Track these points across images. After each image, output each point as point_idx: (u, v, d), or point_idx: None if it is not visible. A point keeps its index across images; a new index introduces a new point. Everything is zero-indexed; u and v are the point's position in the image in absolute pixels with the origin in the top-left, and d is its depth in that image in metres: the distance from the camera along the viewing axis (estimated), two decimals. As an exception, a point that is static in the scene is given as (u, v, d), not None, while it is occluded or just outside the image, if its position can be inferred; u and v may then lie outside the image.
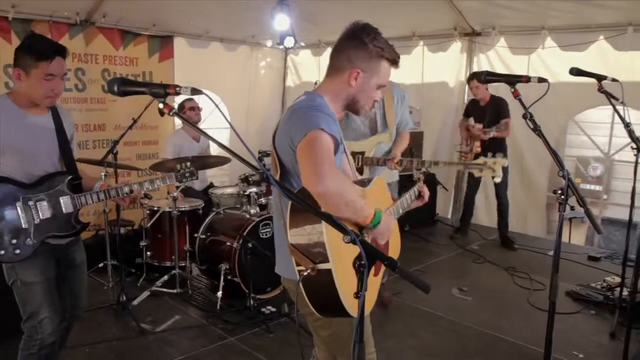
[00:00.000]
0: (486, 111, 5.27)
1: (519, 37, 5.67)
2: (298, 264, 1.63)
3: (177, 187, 4.25)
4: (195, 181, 4.91)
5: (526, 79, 1.97)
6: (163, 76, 6.16)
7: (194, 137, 5.02)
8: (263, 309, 3.88)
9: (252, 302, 3.80)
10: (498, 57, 5.87)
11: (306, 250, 1.62)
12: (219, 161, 4.58)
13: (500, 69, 5.84)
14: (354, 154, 3.48)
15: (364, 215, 1.67)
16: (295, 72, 7.96)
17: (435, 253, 5.39)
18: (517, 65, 5.72)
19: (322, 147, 1.63)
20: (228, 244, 4.00)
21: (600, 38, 5.08)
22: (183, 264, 4.35)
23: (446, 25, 5.93)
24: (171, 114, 1.41)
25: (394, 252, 2.02)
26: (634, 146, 3.00)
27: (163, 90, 1.42)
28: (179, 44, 6.40)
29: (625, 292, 3.82)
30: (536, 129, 1.96)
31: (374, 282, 1.90)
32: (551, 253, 5.26)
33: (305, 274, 1.60)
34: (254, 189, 4.26)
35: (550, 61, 5.44)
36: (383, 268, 1.96)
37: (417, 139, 6.30)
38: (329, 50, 7.25)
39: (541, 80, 1.96)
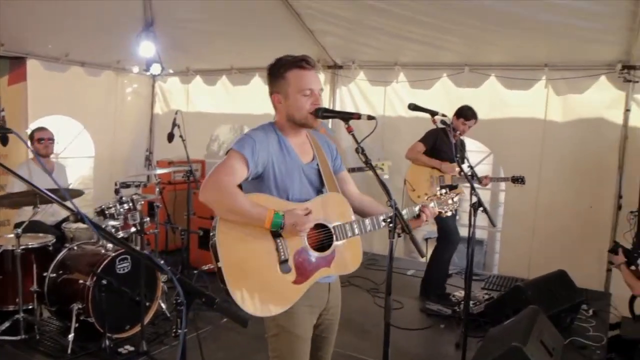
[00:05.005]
0: (456, 148, 4.52)
1: (376, 71, 6.12)
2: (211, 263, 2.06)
3: (19, 225, 3.89)
4: (47, 215, 4.63)
5: (357, 116, 2.10)
6: (14, 101, 5.71)
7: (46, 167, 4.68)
8: (120, 349, 3.66)
9: (107, 342, 3.59)
10: (358, 89, 6.28)
11: (212, 250, 1.94)
12: (72, 194, 4.30)
13: (360, 100, 6.25)
14: None
15: (257, 219, 1.94)
16: (163, 99, 7.80)
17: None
18: (375, 97, 6.17)
19: (223, 164, 1.99)
20: (81, 281, 3.75)
21: (444, 76, 5.66)
22: (31, 307, 3.99)
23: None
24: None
25: (341, 268, 2.16)
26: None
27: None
28: (33, 66, 5.97)
29: (470, 305, 4.20)
30: (367, 162, 2.10)
31: (296, 289, 2.03)
32: (410, 273, 5.69)
33: (206, 268, 2.03)
34: (111, 222, 4.06)
35: (403, 94, 5.93)
36: (316, 275, 2.07)
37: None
38: (197, 77, 7.31)
39: (370, 117, 2.10)
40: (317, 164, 2.20)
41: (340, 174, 2.33)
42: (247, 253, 1.96)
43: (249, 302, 1.91)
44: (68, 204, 1.38)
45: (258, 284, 1.95)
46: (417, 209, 2.28)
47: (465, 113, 4.72)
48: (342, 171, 2.35)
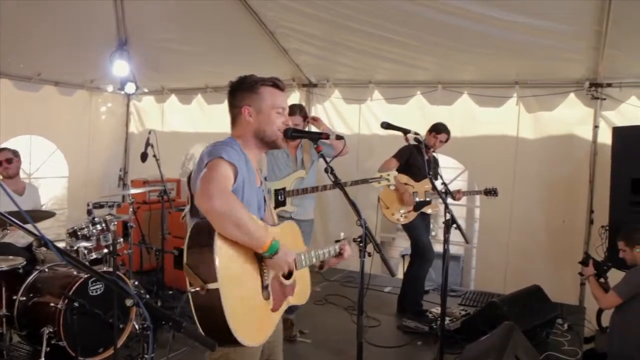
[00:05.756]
0: (429, 165, 4.38)
1: (350, 89, 6.19)
2: (191, 284, 1.73)
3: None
4: (17, 237, 4.52)
5: (326, 136, 2.13)
6: (-16, 121, 5.62)
7: (16, 189, 4.59)
8: (92, 374, 3.60)
9: (79, 367, 3.51)
10: (333, 107, 6.34)
11: (198, 269, 1.72)
12: (42, 216, 4.22)
13: (335, 118, 6.29)
14: (276, 190, 4.02)
15: (259, 241, 1.80)
16: (138, 118, 7.75)
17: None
18: (350, 114, 6.23)
19: (217, 172, 1.81)
20: (52, 304, 3.66)
21: (418, 93, 5.76)
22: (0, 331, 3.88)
23: (285, 76, 6.23)
24: None
25: (300, 297, 2.16)
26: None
27: None
28: (4, 86, 5.89)
29: (447, 321, 4.22)
30: (337, 182, 2.12)
31: (273, 317, 1.98)
32: (387, 289, 5.69)
33: (193, 290, 1.71)
34: (83, 244, 4.00)
35: (378, 112, 6.00)
36: (284, 304, 2.05)
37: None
38: (172, 96, 7.29)
39: (338, 137, 2.14)
40: (263, 190, 2.17)
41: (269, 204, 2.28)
42: (241, 274, 1.82)
43: (243, 330, 1.76)
44: (31, 228, 1.36)
45: (248, 309, 1.83)
46: (337, 247, 2.33)
47: (437, 127, 4.82)
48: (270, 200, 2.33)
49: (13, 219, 1.34)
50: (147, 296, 4.65)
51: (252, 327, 1.85)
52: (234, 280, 1.77)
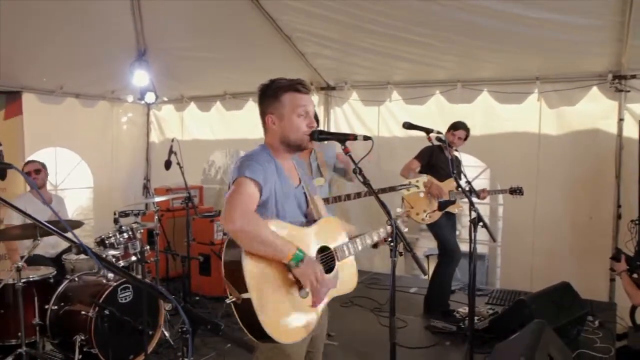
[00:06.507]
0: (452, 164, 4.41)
1: (369, 91, 6.18)
2: (229, 295, 1.90)
3: (22, 257, 3.89)
4: (47, 247, 4.60)
5: (353, 137, 2.12)
6: (10, 134, 5.73)
7: (45, 199, 4.67)
8: (124, 380, 3.64)
9: (111, 373, 3.55)
10: (351, 109, 6.34)
11: (233, 281, 1.89)
12: (71, 225, 4.28)
13: (354, 120, 6.30)
14: None
15: (283, 253, 1.91)
16: (158, 127, 7.82)
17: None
18: (368, 116, 6.22)
19: (241, 192, 1.93)
20: (83, 313, 3.72)
21: (437, 92, 5.73)
22: (33, 340, 3.94)
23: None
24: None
25: (346, 286, 2.24)
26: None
27: None
28: (29, 99, 6.01)
29: (475, 320, 4.17)
30: (366, 183, 2.12)
31: (314, 312, 2.07)
32: (413, 290, 5.66)
33: (230, 301, 1.89)
34: (111, 252, 4.05)
35: (397, 112, 5.98)
36: (327, 297, 2.12)
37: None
38: (192, 104, 7.35)
39: (366, 138, 2.12)
40: (303, 187, 2.23)
41: (315, 198, 2.32)
42: (272, 281, 1.94)
43: (278, 331, 1.90)
44: (70, 235, 1.38)
45: (285, 311, 1.96)
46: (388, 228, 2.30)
47: (455, 124, 4.78)
48: (315, 195, 2.34)
49: (53, 227, 1.37)
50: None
51: (289, 327, 1.96)
52: (266, 288, 1.91)
